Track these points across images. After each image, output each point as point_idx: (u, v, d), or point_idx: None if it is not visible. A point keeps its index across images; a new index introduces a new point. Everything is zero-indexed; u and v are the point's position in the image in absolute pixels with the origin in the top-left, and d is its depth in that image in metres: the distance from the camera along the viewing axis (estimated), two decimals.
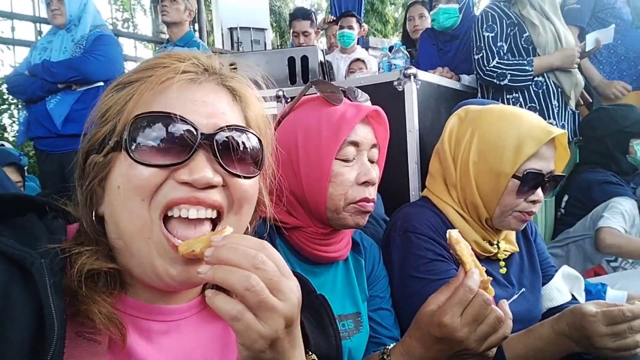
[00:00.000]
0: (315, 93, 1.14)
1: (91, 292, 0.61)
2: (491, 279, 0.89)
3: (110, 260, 0.65)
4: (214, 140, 0.63)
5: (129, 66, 4.58)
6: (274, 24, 14.78)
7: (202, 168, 0.61)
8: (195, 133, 0.61)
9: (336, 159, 1.07)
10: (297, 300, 0.58)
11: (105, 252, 0.65)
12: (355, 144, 1.09)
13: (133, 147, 0.61)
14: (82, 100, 3.03)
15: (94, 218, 0.66)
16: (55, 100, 3.00)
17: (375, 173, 1.11)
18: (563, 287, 1.49)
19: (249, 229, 0.76)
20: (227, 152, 0.64)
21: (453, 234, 0.88)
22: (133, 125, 0.61)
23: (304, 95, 1.17)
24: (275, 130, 0.89)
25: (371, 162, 1.13)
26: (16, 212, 0.67)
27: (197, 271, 0.57)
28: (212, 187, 0.63)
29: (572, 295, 1.53)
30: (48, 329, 0.54)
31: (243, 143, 0.66)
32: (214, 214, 0.65)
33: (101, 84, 3.07)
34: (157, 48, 4.17)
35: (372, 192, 1.11)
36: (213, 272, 0.55)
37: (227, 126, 0.65)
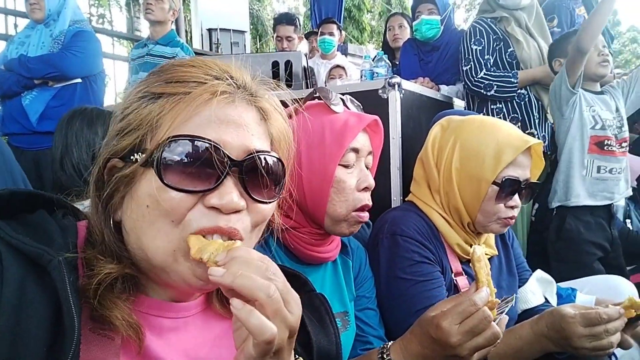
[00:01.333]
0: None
1: (110, 296, 0.61)
2: (499, 301, 0.94)
3: (127, 267, 0.65)
4: (242, 167, 0.64)
5: (106, 63, 4.49)
6: (252, 27, 14.75)
7: (230, 193, 0.62)
8: (226, 160, 0.62)
9: (338, 164, 1.12)
10: (300, 312, 0.59)
11: (122, 266, 0.65)
12: (356, 150, 1.15)
13: (163, 169, 0.61)
14: (58, 96, 2.96)
15: (112, 227, 0.66)
16: (31, 96, 2.92)
17: (372, 179, 1.16)
18: (537, 290, 1.58)
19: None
20: (252, 177, 0.65)
21: (477, 251, 0.92)
22: (166, 147, 0.61)
23: (308, 100, 1.21)
24: None
25: (366, 167, 1.18)
26: (25, 208, 0.66)
27: (209, 273, 0.57)
28: (238, 211, 0.64)
29: (545, 298, 1.61)
30: (68, 327, 0.54)
31: (268, 169, 0.67)
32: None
33: (79, 80, 3.01)
34: (134, 45, 4.10)
35: (369, 198, 1.17)
36: (232, 278, 0.55)
37: (256, 151, 0.66)
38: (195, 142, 0.61)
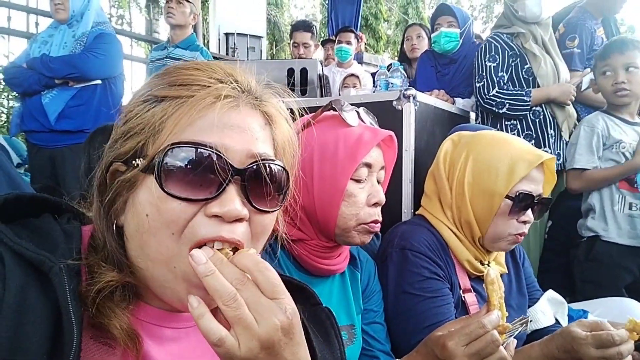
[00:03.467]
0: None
1: (110, 304, 0.61)
2: (510, 325, 0.93)
3: (128, 275, 0.64)
4: (245, 175, 0.63)
5: (124, 64, 4.56)
6: (269, 33, 14.88)
7: (232, 201, 0.61)
8: (228, 167, 0.61)
9: (350, 178, 1.12)
10: (276, 323, 0.56)
11: (123, 275, 0.64)
12: (368, 165, 1.15)
13: (164, 176, 0.59)
14: (78, 96, 3.00)
15: (114, 233, 0.65)
16: (51, 95, 2.96)
17: (383, 194, 1.16)
18: (548, 310, 1.55)
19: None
20: (255, 185, 0.64)
21: (491, 273, 0.92)
22: (166, 154, 0.60)
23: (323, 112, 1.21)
24: None
25: (378, 182, 1.18)
26: (31, 212, 0.66)
27: (190, 254, 0.58)
28: (240, 220, 0.62)
29: (556, 319, 1.59)
30: (67, 334, 0.54)
31: (271, 176, 0.65)
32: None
33: (99, 82, 3.05)
34: (152, 47, 4.17)
35: (379, 213, 1.17)
36: (204, 273, 0.56)
37: (260, 156, 0.64)
38: (197, 149, 0.60)
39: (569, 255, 2.52)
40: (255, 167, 0.63)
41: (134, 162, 0.62)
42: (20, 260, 0.57)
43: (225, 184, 0.61)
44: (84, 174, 1.69)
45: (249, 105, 0.67)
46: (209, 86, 0.64)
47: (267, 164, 0.65)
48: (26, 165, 3.79)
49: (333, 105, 1.19)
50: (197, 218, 0.61)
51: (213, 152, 0.60)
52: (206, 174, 0.60)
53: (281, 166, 0.67)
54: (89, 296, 0.60)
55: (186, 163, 0.60)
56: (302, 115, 0.89)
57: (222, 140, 0.62)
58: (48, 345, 0.54)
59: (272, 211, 0.67)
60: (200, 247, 0.61)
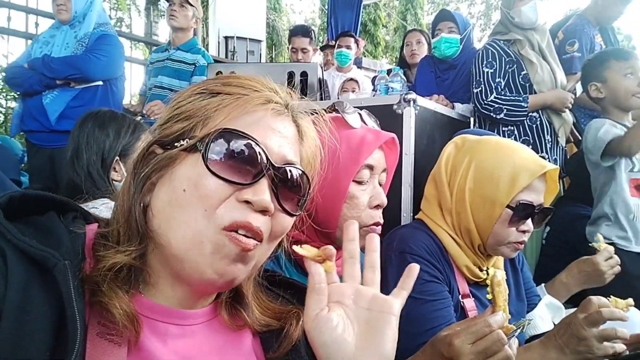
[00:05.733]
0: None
1: (112, 285, 0.62)
2: (513, 327, 0.94)
3: (138, 257, 0.66)
4: (279, 173, 0.68)
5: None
6: (267, 37, 14.92)
7: (264, 192, 0.66)
8: (267, 161, 0.66)
9: (352, 180, 1.12)
10: None
11: (137, 249, 0.66)
12: (370, 167, 1.15)
13: (209, 156, 0.64)
14: (79, 97, 3.00)
15: (142, 207, 0.67)
16: (52, 96, 2.96)
17: (384, 197, 1.17)
18: (546, 315, 1.56)
19: None
20: (283, 186, 0.69)
21: (498, 275, 0.93)
22: (217, 136, 0.65)
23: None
24: None
25: (379, 184, 1.18)
26: (36, 210, 0.67)
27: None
28: (265, 212, 0.66)
29: (554, 324, 1.59)
30: (70, 331, 0.54)
31: (298, 182, 0.71)
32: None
33: (100, 83, 3.06)
34: (153, 49, 4.18)
35: (381, 215, 1.17)
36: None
37: (293, 163, 0.71)
38: (244, 138, 0.66)
39: (566, 261, 2.53)
40: (288, 168, 0.70)
41: (178, 143, 0.67)
42: (23, 257, 0.57)
43: (261, 176, 0.66)
44: (71, 158, 1.69)
45: (289, 118, 0.74)
46: (262, 91, 0.71)
47: (297, 170, 0.71)
48: (22, 165, 3.78)
49: (336, 107, 1.20)
50: (229, 201, 0.65)
51: (259, 145, 0.66)
52: (247, 163, 0.66)
53: (307, 176, 0.74)
54: (94, 278, 0.61)
55: (233, 149, 0.65)
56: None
57: (265, 139, 0.68)
58: (51, 342, 0.54)
59: (293, 214, 0.72)
60: (229, 230, 0.64)
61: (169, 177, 0.67)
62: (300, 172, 0.72)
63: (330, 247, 0.70)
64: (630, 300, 1.23)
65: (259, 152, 0.66)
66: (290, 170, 0.70)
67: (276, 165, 0.68)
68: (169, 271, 0.67)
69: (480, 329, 0.89)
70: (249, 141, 0.66)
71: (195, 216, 0.64)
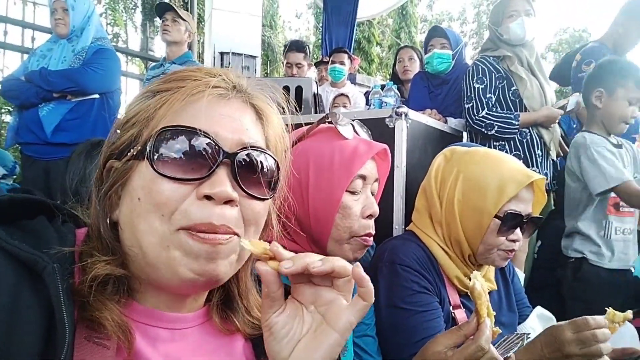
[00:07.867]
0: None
1: (102, 298, 0.61)
2: (500, 330, 0.95)
3: (120, 267, 0.65)
4: (235, 159, 0.65)
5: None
6: (262, 53, 15.07)
7: (222, 183, 0.63)
8: (218, 150, 0.63)
9: (345, 190, 1.14)
10: None
11: (116, 258, 0.65)
12: (363, 177, 1.17)
13: (156, 158, 0.62)
14: (75, 110, 3.02)
15: (108, 223, 0.66)
16: (48, 108, 2.97)
17: (377, 206, 1.18)
18: (537, 326, 1.56)
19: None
20: (245, 171, 0.66)
21: (477, 287, 0.93)
22: (159, 137, 0.62)
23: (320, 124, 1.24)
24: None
25: (372, 194, 1.20)
26: (25, 214, 0.66)
27: (283, 266, 0.59)
28: (230, 202, 0.64)
29: None
30: (59, 334, 0.54)
31: (261, 164, 0.67)
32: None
33: (96, 96, 3.08)
34: (148, 65, 4.22)
35: (373, 225, 1.19)
36: (322, 263, 0.60)
37: (250, 146, 0.66)
38: (187, 132, 0.62)
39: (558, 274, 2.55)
40: (246, 152, 0.66)
41: (128, 152, 0.64)
42: (12, 260, 0.57)
43: (215, 166, 0.63)
44: (75, 186, 1.67)
45: (239, 99, 0.70)
46: (201, 79, 0.68)
47: (256, 152, 0.67)
48: (13, 176, 3.77)
49: (329, 119, 1.22)
50: (188, 201, 0.62)
51: (202, 135, 0.63)
52: (197, 157, 0.63)
53: (271, 156, 0.70)
54: (82, 290, 0.60)
55: (177, 146, 0.62)
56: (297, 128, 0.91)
57: (212, 127, 0.64)
58: (41, 346, 0.54)
59: (262, 198, 0.69)
60: (193, 231, 0.62)
61: (127, 188, 0.65)
62: (263, 153, 0.68)
63: (278, 246, 0.62)
64: (629, 314, 1.21)
65: (208, 143, 0.63)
66: (248, 154, 0.66)
67: (230, 152, 0.64)
68: (150, 278, 0.66)
69: (474, 354, 0.90)
70: (192, 133, 0.62)
71: (154, 224, 0.62)
